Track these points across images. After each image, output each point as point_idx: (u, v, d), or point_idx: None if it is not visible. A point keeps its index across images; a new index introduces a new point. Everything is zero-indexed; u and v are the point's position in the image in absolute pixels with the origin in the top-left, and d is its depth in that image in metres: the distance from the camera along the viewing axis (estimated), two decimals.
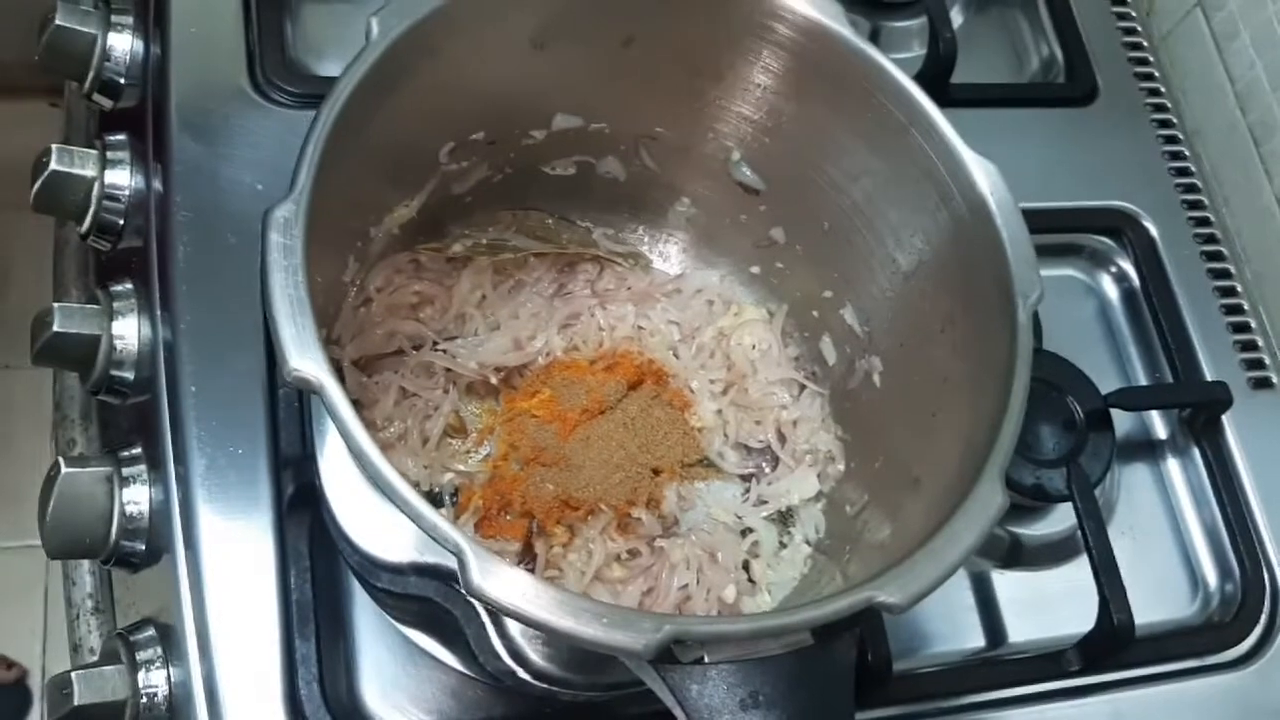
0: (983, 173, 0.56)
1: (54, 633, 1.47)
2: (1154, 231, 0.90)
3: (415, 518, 0.45)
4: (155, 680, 0.66)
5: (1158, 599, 0.79)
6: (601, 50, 0.62)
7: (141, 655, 0.66)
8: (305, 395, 0.67)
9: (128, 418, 0.75)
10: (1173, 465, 0.85)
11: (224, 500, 0.66)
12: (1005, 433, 0.51)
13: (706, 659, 0.47)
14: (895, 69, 0.58)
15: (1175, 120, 0.96)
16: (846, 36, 0.59)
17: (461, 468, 0.67)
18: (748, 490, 0.71)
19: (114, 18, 0.78)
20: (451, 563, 0.45)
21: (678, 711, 0.47)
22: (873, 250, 0.63)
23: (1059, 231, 0.88)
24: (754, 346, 0.72)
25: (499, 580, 0.44)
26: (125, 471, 0.69)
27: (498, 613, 0.44)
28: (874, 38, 0.96)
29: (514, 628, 0.57)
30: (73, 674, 0.65)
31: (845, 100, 0.60)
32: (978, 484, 0.50)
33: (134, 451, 0.70)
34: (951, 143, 0.57)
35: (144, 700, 0.65)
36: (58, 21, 0.75)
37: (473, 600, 0.55)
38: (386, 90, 0.54)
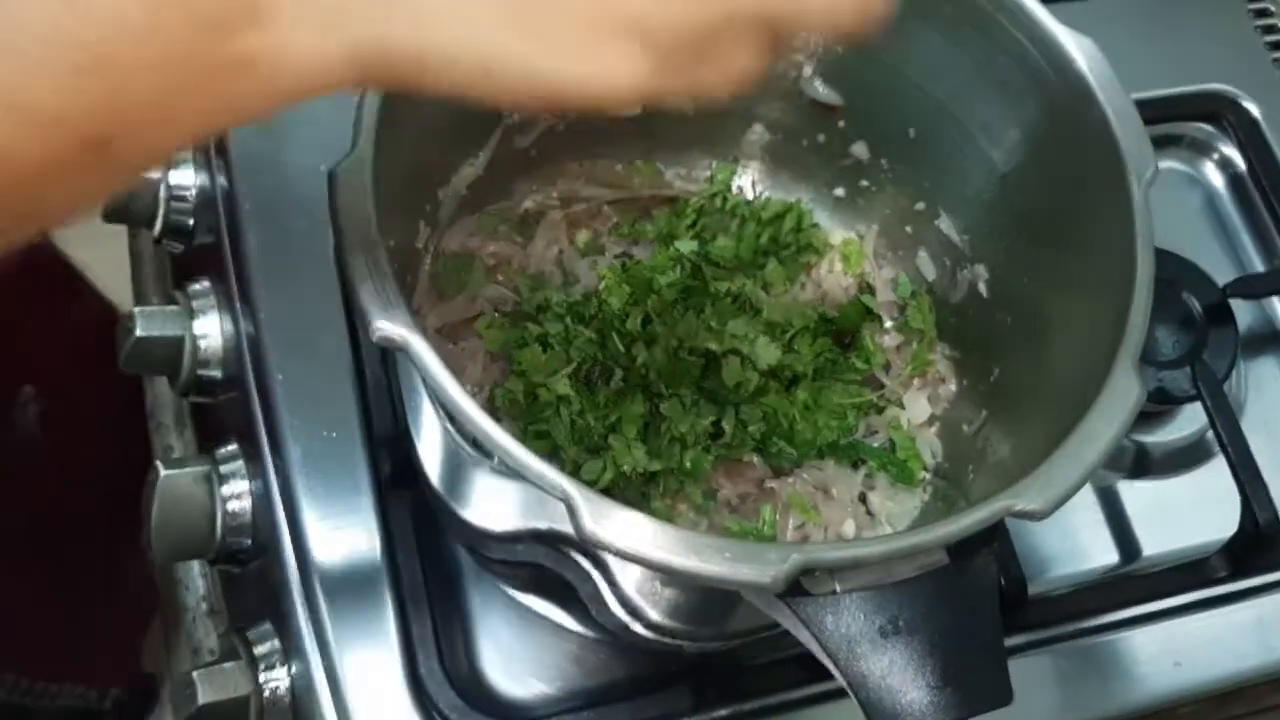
0: (1078, 49, 0.53)
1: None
2: (1256, 111, 0.85)
3: (520, 467, 0.43)
4: (276, 672, 0.65)
5: None
6: None
7: (259, 649, 0.66)
8: (393, 373, 0.66)
9: (221, 415, 0.75)
10: None
11: (323, 486, 0.65)
12: (1134, 318, 0.47)
13: (839, 589, 0.44)
14: None
15: None
16: None
17: None
18: None
19: None
20: (562, 523, 0.43)
21: (814, 646, 0.44)
22: (964, 151, 0.60)
23: (1154, 122, 0.81)
24: (846, 272, 0.69)
25: (613, 523, 0.42)
26: (223, 468, 0.68)
27: (616, 557, 0.42)
28: None
29: (628, 583, 0.55)
30: (194, 674, 0.65)
31: None
32: (1110, 376, 0.46)
33: (230, 448, 0.70)
34: (1041, 21, 0.53)
35: (267, 694, 0.65)
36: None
37: (581, 556, 0.54)
38: None
